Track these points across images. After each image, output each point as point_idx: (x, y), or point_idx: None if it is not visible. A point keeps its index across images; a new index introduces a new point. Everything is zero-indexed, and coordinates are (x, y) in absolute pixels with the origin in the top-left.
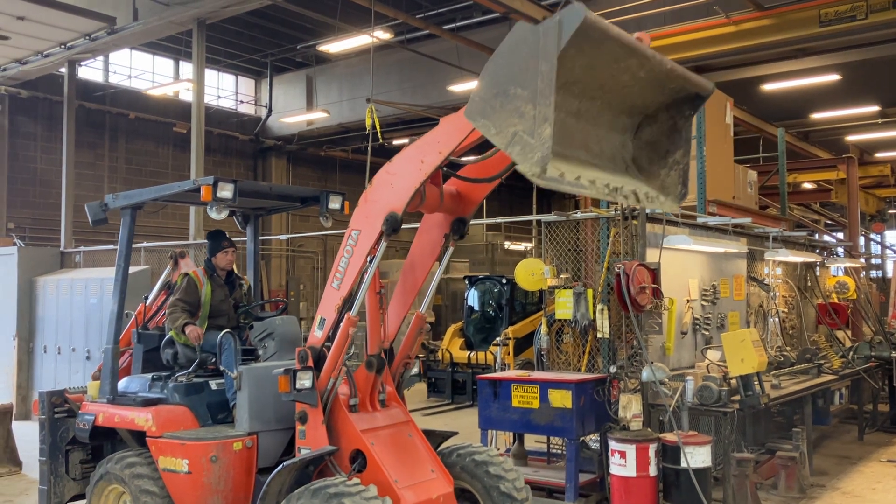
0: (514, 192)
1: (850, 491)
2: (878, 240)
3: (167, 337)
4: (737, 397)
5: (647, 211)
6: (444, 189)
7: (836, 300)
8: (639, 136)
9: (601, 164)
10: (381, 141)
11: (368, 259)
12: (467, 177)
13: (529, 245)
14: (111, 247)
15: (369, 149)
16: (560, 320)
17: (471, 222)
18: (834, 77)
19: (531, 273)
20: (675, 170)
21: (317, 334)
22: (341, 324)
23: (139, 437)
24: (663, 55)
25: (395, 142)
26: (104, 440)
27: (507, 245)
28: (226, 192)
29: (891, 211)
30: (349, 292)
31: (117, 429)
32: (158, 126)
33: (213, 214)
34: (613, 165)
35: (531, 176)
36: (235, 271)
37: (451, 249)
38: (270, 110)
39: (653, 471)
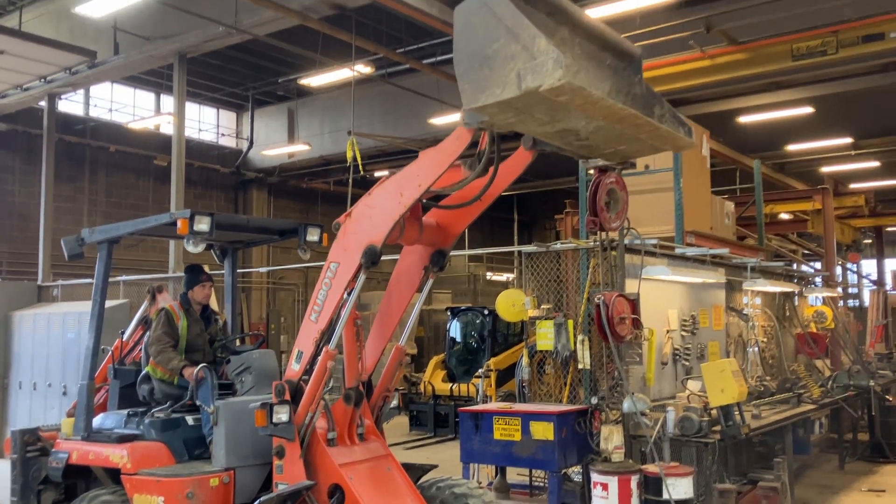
0: (495, 224)
1: None
2: (855, 269)
3: (143, 372)
4: (718, 428)
5: (626, 242)
6: (423, 221)
7: (814, 329)
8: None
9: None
10: (362, 173)
11: (347, 292)
12: (446, 205)
13: (511, 276)
14: (89, 280)
15: (350, 181)
16: (541, 351)
17: (452, 253)
18: (807, 110)
19: (512, 304)
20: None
21: (294, 368)
22: (319, 357)
23: (114, 474)
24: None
25: (377, 173)
26: (78, 479)
27: (490, 276)
28: (203, 225)
29: (866, 241)
30: (327, 325)
31: (92, 467)
32: (139, 159)
33: (191, 248)
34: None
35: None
36: (212, 306)
37: (430, 281)
38: (252, 143)
39: (635, 503)
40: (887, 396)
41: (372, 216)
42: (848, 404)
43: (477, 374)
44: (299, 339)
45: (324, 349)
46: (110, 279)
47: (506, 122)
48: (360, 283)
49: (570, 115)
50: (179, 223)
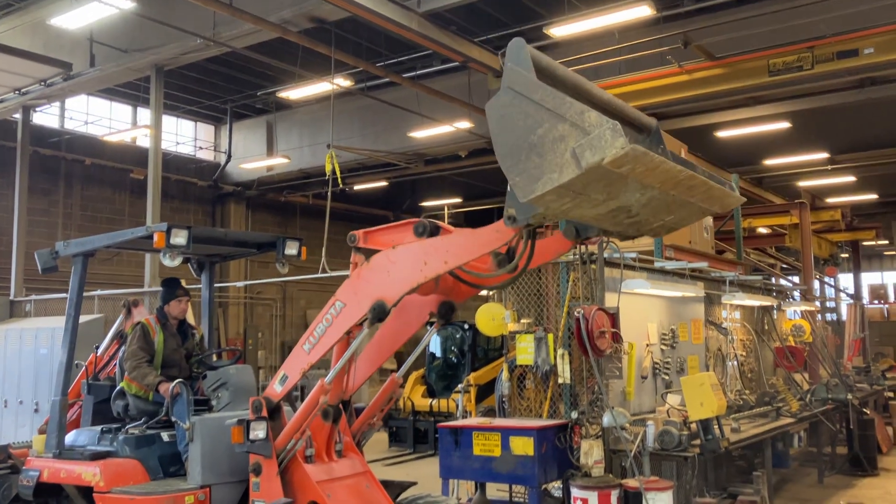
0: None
1: None
2: (832, 283)
3: (118, 388)
4: (697, 441)
5: (605, 255)
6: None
7: (792, 343)
8: None
9: None
10: (341, 186)
11: (347, 335)
12: (470, 282)
13: (492, 292)
14: (63, 295)
15: (329, 194)
16: (521, 366)
17: None
18: (784, 125)
19: (492, 318)
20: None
21: (276, 389)
22: (313, 389)
23: (86, 493)
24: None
25: (356, 187)
26: (49, 497)
27: None
28: (180, 238)
29: (843, 255)
30: (318, 359)
31: (63, 485)
32: (115, 172)
33: (167, 262)
34: None
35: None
36: (189, 320)
37: (432, 329)
38: (230, 156)
39: None
40: (865, 410)
41: (390, 273)
42: (826, 418)
43: (457, 389)
44: (287, 364)
45: (320, 381)
46: (85, 294)
47: (561, 209)
48: (362, 336)
49: (627, 189)
50: (156, 236)
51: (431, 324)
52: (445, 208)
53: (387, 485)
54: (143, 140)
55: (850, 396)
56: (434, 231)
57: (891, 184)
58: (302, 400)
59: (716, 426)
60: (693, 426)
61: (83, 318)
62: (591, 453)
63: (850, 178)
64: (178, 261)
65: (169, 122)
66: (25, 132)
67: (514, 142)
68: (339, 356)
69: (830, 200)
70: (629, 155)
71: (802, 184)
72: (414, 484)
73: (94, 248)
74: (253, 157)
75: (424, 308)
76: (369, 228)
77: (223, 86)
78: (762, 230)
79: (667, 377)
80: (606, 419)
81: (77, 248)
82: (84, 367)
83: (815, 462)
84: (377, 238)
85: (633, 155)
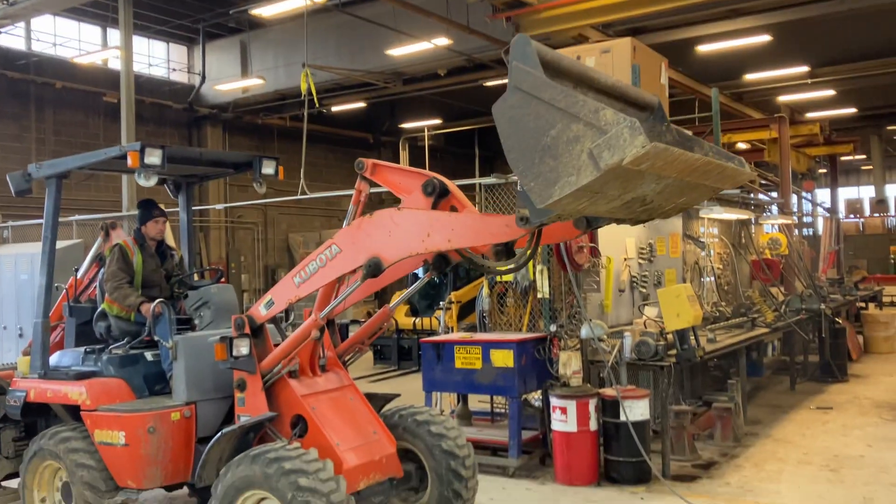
0: (457, 159)
1: (781, 437)
2: (809, 198)
3: (99, 310)
4: (673, 352)
5: None
6: None
7: (769, 256)
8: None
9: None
10: (318, 107)
11: (338, 281)
12: (474, 265)
13: None
14: (41, 221)
15: (305, 115)
16: (502, 282)
17: None
18: (765, 38)
19: None
20: (709, 153)
21: (261, 311)
22: (306, 321)
23: (73, 411)
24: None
25: (334, 108)
26: (37, 417)
27: None
28: (154, 158)
29: (820, 170)
30: (306, 295)
31: (50, 404)
32: (87, 96)
33: (142, 182)
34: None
35: (643, 149)
36: (168, 242)
37: (424, 281)
38: (204, 78)
39: (593, 425)
40: (837, 319)
41: (392, 234)
42: (800, 327)
43: (439, 307)
44: (275, 291)
45: (313, 316)
46: (63, 219)
47: (577, 209)
48: (355, 287)
49: (644, 182)
50: (130, 156)
51: (426, 270)
52: (425, 130)
53: (370, 397)
54: (115, 62)
55: (823, 307)
56: (443, 192)
57: (870, 97)
58: (285, 320)
59: (692, 336)
60: (669, 337)
61: (62, 244)
62: (569, 364)
63: (830, 92)
64: (153, 181)
65: (140, 43)
66: None
67: (526, 144)
68: (328, 294)
69: (810, 115)
70: (650, 153)
71: (782, 98)
72: (397, 396)
73: (68, 169)
74: (227, 78)
75: (420, 256)
76: (379, 161)
77: (194, 3)
78: (741, 145)
79: (644, 290)
80: (584, 331)
81: (50, 170)
82: (65, 291)
83: (787, 370)
84: (384, 174)
85: (655, 152)
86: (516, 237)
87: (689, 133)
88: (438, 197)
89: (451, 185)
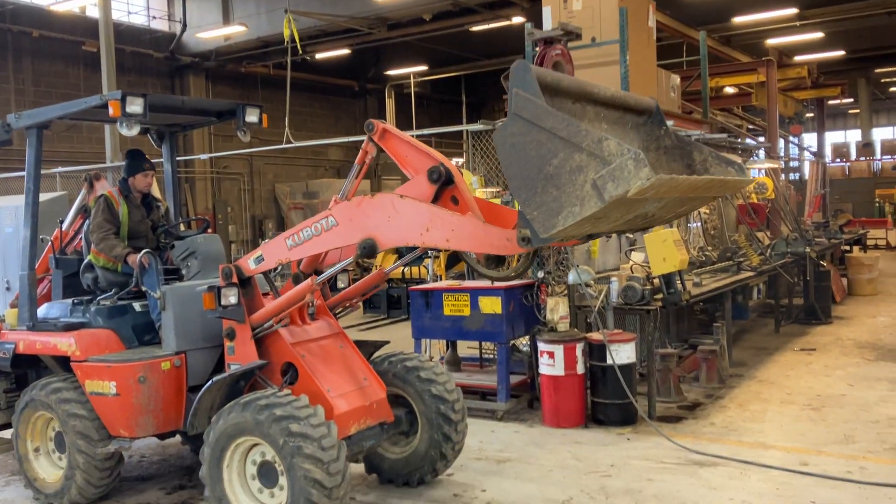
0: (444, 107)
1: (765, 379)
2: (796, 142)
3: (86, 261)
4: (660, 296)
5: None
6: None
7: (755, 200)
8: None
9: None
10: (301, 54)
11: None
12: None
13: (461, 160)
14: (23, 173)
15: (289, 63)
16: None
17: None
18: None
19: None
20: (711, 166)
21: (250, 265)
22: (302, 282)
23: (63, 362)
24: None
25: (318, 55)
26: (27, 368)
27: None
28: (135, 106)
29: (808, 114)
30: (296, 259)
31: (40, 356)
32: (66, 45)
33: (125, 131)
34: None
35: (647, 182)
36: (154, 193)
37: (417, 253)
38: (185, 26)
39: (580, 369)
40: (822, 262)
41: (391, 220)
42: (785, 271)
43: (427, 255)
44: (267, 248)
45: (310, 279)
46: (46, 171)
47: (580, 233)
48: (349, 261)
49: (647, 204)
50: (111, 105)
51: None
52: (411, 76)
53: (360, 344)
54: (93, 10)
55: (808, 250)
56: (448, 181)
57: (858, 39)
58: (273, 270)
59: (678, 280)
60: (656, 281)
61: (46, 196)
62: (556, 310)
63: (818, 35)
64: (135, 130)
65: None
66: None
67: (528, 173)
68: (318, 255)
69: (798, 58)
70: (654, 184)
71: (770, 41)
72: (387, 343)
73: (48, 119)
74: (209, 25)
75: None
76: (390, 127)
77: None
78: (729, 89)
79: (631, 236)
80: (572, 277)
81: (30, 120)
82: (50, 242)
83: (772, 313)
84: (392, 142)
85: (659, 183)
86: (514, 253)
87: (688, 137)
88: (443, 185)
89: (457, 173)
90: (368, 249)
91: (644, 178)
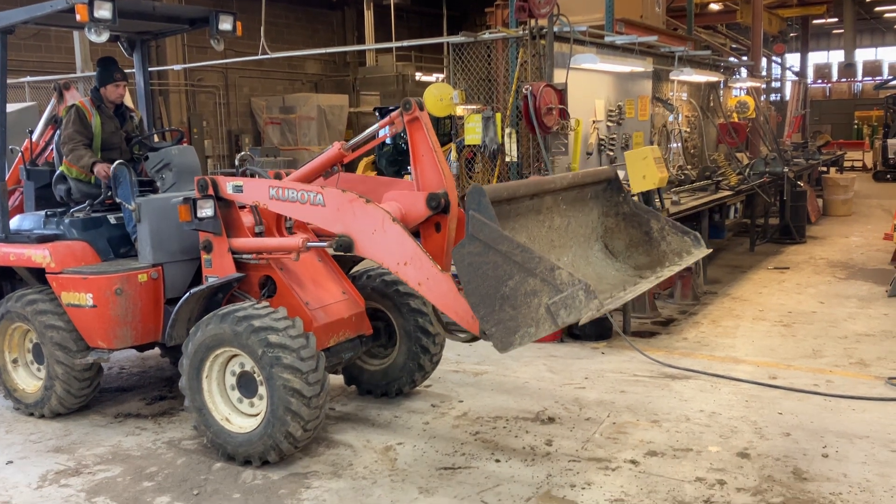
0: (424, 20)
1: (739, 296)
2: (779, 62)
3: (58, 172)
4: None
5: (555, 29)
6: None
7: (736, 120)
8: (609, 228)
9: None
10: None
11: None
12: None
13: (441, 76)
14: None
15: None
16: (471, 147)
17: (379, 51)
18: None
19: (440, 98)
20: (667, 234)
21: (228, 189)
22: (293, 234)
23: (38, 274)
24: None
25: None
26: (2, 280)
27: (419, 76)
28: (104, 11)
29: (792, 34)
30: (271, 211)
31: (14, 268)
32: None
33: (93, 37)
34: (616, 272)
35: (598, 312)
36: (127, 104)
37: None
38: None
39: None
40: (799, 182)
41: (374, 234)
42: (762, 190)
43: (407, 172)
44: (250, 184)
45: (297, 236)
46: (14, 80)
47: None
48: (326, 244)
49: None
50: (78, 10)
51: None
52: None
53: (339, 259)
54: None
55: (786, 170)
56: (445, 209)
57: None
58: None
59: (657, 198)
60: (635, 198)
61: (14, 107)
62: None
63: None
64: (105, 36)
65: None
66: None
67: (486, 291)
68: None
69: None
70: (604, 311)
71: None
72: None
73: (11, 23)
74: None
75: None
76: (423, 117)
77: None
78: (714, 6)
79: (612, 153)
80: None
81: None
82: (20, 153)
83: (748, 232)
84: (417, 134)
85: (609, 309)
86: (475, 333)
87: (644, 205)
88: (440, 212)
89: (455, 202)
90: (344, 245)
91: (594, 309)
